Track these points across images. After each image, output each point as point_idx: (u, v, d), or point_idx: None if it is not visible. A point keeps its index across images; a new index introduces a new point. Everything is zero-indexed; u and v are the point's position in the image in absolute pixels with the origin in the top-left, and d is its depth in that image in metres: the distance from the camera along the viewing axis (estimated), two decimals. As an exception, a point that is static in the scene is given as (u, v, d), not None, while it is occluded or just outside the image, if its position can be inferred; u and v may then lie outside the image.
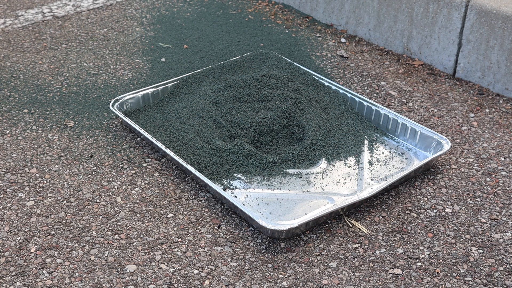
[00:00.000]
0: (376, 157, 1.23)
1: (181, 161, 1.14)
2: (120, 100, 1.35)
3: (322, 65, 1.62)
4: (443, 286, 0.95)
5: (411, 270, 0.97)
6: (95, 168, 1.20)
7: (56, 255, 0.99)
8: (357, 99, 1.36)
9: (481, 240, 1.04)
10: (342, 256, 1.00)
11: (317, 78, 1.43)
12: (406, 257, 1.00)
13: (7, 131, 1.31)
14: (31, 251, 1.00)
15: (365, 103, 1.34)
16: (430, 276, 0.96)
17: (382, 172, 1.19)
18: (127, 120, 1.27)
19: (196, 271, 0.96)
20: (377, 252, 1.01)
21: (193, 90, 1.39)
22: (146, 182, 1.17)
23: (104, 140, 1.29)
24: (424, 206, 1.11)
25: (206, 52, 1.67)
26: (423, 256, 1.00)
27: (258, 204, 1.10)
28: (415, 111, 1.41)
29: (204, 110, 1.29)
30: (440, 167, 1.22)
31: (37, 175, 1.18)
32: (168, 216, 1.08)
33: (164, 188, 1.15)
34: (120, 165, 1.21)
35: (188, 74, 1.45)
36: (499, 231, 1.06)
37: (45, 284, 0.93)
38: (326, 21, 1.86)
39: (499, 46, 1.44)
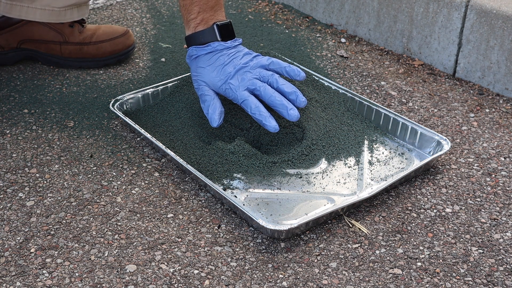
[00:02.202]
0: (376, 157, 1.23)
1: (181, 161, 1.15)
2: (120, 100, 1.35)
3: (322, 65, 1.62)
4: (443, 286, 0.95)
5: (411, 270, 0.97)
6: (95, 168, 1.20)
7: (56, 255, 0.99)
8: (357, 99, 1.36)
9: (481, 240, 1.04)
10: (342, 256, 1.00)
11: (317, 78, 1.43)
12: (406, 257, 1.00)
13: (7, 131, 1.31)
14: (31, 251, 1.00)
15: (365, 103, 1.34)
16: (430, 276, 0.96)
17: (382, 172, 1.19)
18: (127, 120, 1.27)
19: (196, 271, 0.96)
20: (377, 252, 1.01)
21: (193, 90, 1.39)
22: (146, 182, 1.17)
23: (104, 140, 1.29)
24: (424, 206, 1.11)
25: (206, 52, 1.67)
26: (423, 256, 1.00)
27: (258, 204, 1.10)
28: (415, 111, 1.41)
29: (204, 110, 1.29)
30: (440, 167, 1.22)
31: (37, 175, 1.18)
32: (168, 216, 1.08)
33: (164, 188, 1.15)
34: (120, 165, 1.21)
35: (188, 74, 1.45)
36: (499, 231, 1.06)
37: (45, 284, 0.93)
38: (326, 21, 1.86)
39: (499, 46, 1.44)
